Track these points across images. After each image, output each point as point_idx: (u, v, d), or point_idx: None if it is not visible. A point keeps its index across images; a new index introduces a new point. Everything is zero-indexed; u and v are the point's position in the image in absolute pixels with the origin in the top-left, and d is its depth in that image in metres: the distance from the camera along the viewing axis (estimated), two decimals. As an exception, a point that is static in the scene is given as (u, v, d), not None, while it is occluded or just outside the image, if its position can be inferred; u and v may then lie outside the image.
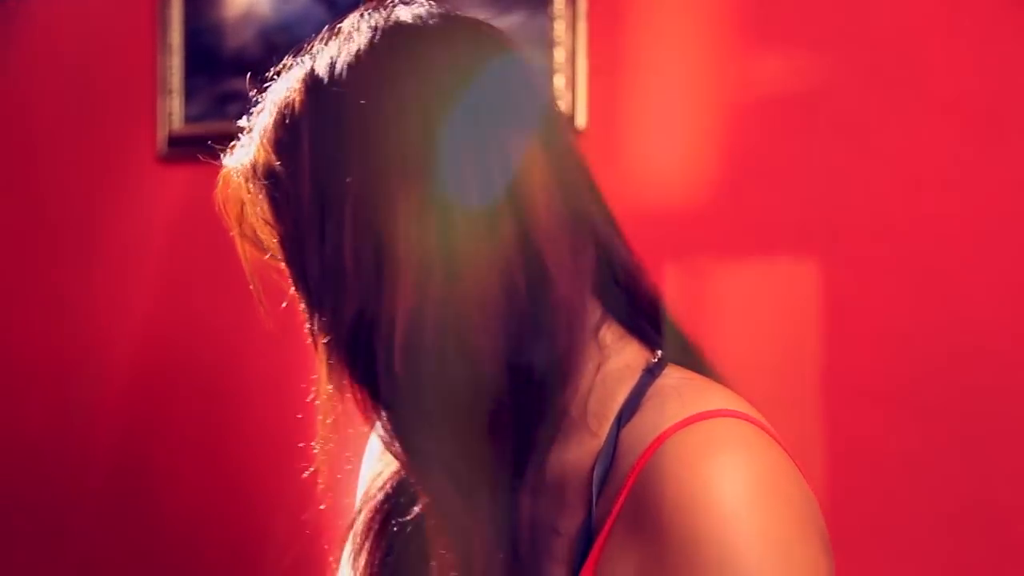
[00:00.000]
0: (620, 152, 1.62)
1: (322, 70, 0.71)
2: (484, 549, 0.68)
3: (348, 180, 0.67)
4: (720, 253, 1.56)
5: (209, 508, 1.84)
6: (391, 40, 0.71)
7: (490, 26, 0.75)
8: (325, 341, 0.69)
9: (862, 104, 1.51)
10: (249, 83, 0.78)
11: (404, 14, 0.73)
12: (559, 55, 1.63)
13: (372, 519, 0.80)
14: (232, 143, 0.75)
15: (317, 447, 0.71)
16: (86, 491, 1.92)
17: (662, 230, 1.57)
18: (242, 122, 0.74)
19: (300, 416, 0.75)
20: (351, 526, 0.81)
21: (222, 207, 0.75)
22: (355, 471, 0.82)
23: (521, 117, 0.71)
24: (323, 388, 0.71)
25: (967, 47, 1.47)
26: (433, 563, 0.70)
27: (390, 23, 0.72)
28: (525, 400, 0.68)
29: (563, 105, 1.62)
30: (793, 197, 1.54)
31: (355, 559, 0.79)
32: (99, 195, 1.93)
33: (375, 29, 0.71)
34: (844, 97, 1.52)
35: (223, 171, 0.75)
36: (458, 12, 0.75)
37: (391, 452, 0.72)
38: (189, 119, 1.84)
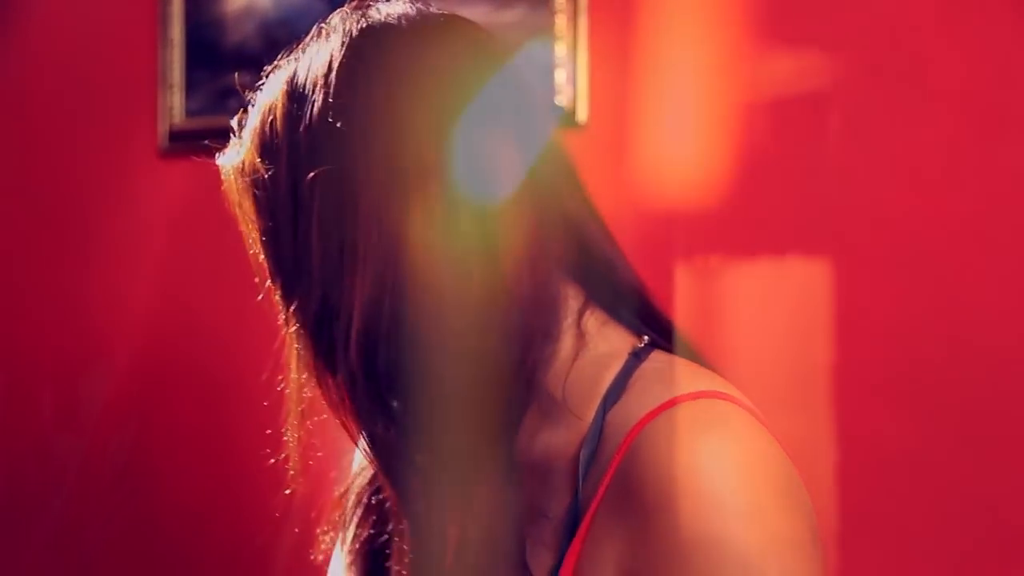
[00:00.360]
0: (621, 147, 1.62)
1: (301, 73, 0.74)
2: (442, 538, 0.71)
3: (314, 175, 0.71)
4: (721, 250, 1.57)
5: (211, 503, 1.85)
6: (362, 43, 0.74)
7: (467, 22, 0.77)
8: (293, 330, 0.73)
9: (870, 101, 1.51)
10: (238, 81, 0.82)
11: (377, 15, 0.76)
12: (560, 49, 1.63)
13: (361, 494, 0.84)
14: (227, 141, 0.78)
15: (287, 435, 0.75)
16: (85, 484, 1.92)
17: (662, 226, 1.57)
18: (233, 122, 0.78)
19: (266, 403, 0.78)
20: (342, 500, 0.83)
21: (229, 202, 0.79)
22: (332, 455, 0.85)
23: (491, 112, 0.73)
24: (292, 377, 0.75)
25: (977, 47, 1.47)
26: (394, 547, 0.72)
27: (362, 25, 0.75)
28: (484, 390, 0.71)
29: (564, 100, 1.62)
30: (799, 194, 1.54)
31: (343, 533, 0.83)
32: (100, 190, 1.94)
33: (348, 32, 0.74)
34: (851, 93, 1.52)
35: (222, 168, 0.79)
36: (435, 10, 0.77)
37: (354, 442, 0.74)
38: (190, 113, 1.85)
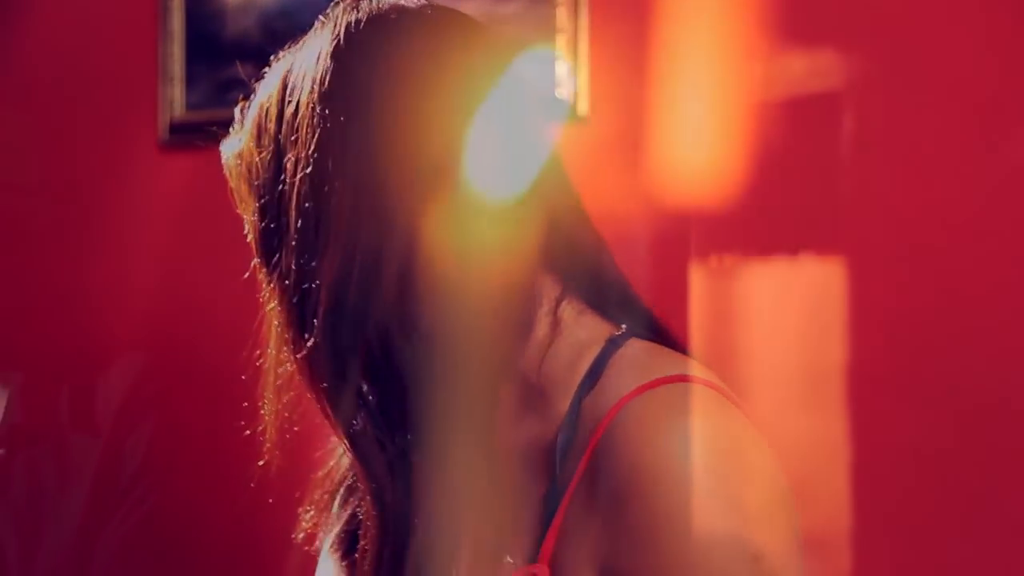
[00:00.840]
0: (622, 141, 1.62)
1: (296, 65, 0.79)
2: (406, 521, 0.73)
3: (297, 157, 0.75)
4: (722, 247, 1.57)
5: (214, 499, 1.85)
6: (349, 35, 0.77)
7: (456, 13, 0.80)
8: (271, 307, 0.78)
9: (883, 99, 1.51)
10: (243, 72, 0.85)
11: (368, 7, 0.79)
12: (561, 42, 1.63)
13: (345, 474, 0.87)
14: (228, 131, 0.83)
15: (263, 408, 0.79)
16: (101, 484, 1.92)
17: (662, 222, 1.57)
18: (236, 110, 0.83)
19: (244, 377, 0.84)
20: (326, 479, 0.85)
21: (228, 186, 0.83)
22: (319, 433, 0.87)
23: (466, 102, 0.76)
24: (270, 353, 0.79)
25: (993, 47, 1.47)
26: (362, 523, 0.74)
27: (349, 19, 0.78)
28: (453, 374, 0.73)
29: (565, 93, 1.63)
30: (806, 189, 1.54)
31: (327, 513, 0.86)
32: (100, 183, 1.94)
33: (338, 25, 0.78)
34: (864, 89, 1.52)
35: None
36: (425, 1, 0.80)
37: (326, 419, 0.77)
38: (190, 106, 1.85)
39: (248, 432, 0.80)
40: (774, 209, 1.55)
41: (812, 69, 1.55)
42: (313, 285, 0.74)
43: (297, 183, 0.74)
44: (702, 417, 0.67)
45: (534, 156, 0.77)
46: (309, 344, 0.74)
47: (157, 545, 1.90)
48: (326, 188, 0.73)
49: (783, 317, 1.54)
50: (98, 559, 1.92)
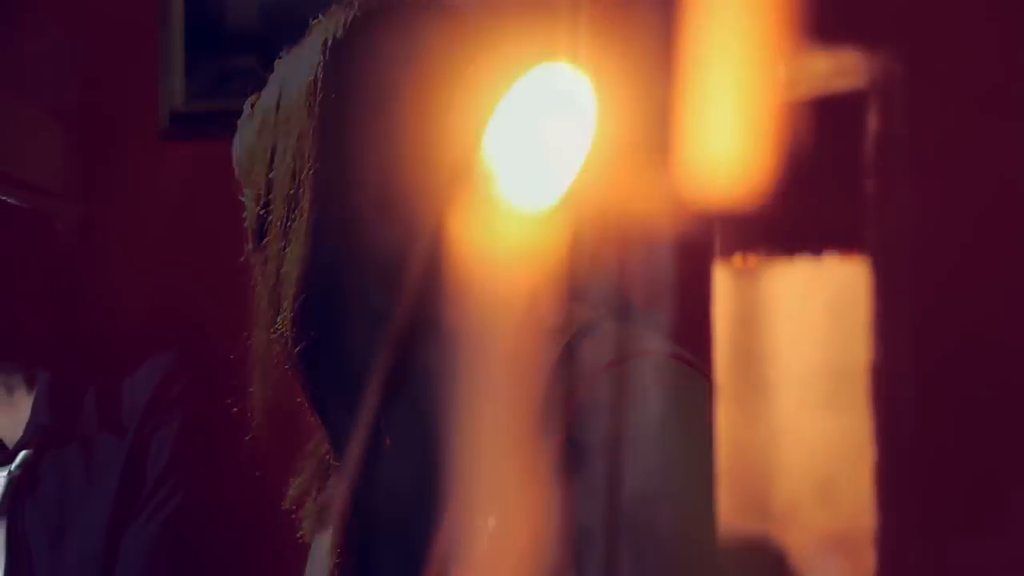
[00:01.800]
0: (623, 135, 1.63)
1: (292, 75, 0.83)
2: (369, 498, 0.77)
3: (285, 147, 0.80)
4: (740, 246, 1.57)
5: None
6: (337, 36, 0.81)
7: (447, 9, 0.81)
8: (257, 288, 0.84)
9: (909, 100, 1.51)
10: (246, 60, 0.89)
11: (356, 8, 0.83)
12: (561, 32, 1.64)
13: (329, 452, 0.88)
14: (236, 123, 0.88)
15: (252, 388, 0.83)
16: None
17: (666, 219, 1.57)
18: (247, 105, 0.87)
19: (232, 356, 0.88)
20: (316, 449, 0.88)
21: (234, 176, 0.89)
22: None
23: (460, 97, 0.79)
24: (257, 334, 0.85)
25: (1019, 48, 1.47)
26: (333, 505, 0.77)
27: (339, 20, 0.83)
28: (417, 359, 0.76)
29: (567, 85, 1.63)
30: (829, 187, 1.54)
31: (316, 482, 0.88)
32: (100, 173, 1.95)
33: (329, 25, 0.83)
34: (890, 89, 1.52)
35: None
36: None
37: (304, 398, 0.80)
38: (191, 97, 1.86)
39: (236, 410, 0.83)
40: (797, 208, 1.55)
41: (836, 67, 1.55)
42: (286, 269, 0.79)
43: (283, 171, 0.79)
44: (670, 389, 0.69)
45: (550, 152, 0.79)
46: (279, 327, 0.79)
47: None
48: (304, 176, 0.78)
49: (807, 317, 1.54)
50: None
